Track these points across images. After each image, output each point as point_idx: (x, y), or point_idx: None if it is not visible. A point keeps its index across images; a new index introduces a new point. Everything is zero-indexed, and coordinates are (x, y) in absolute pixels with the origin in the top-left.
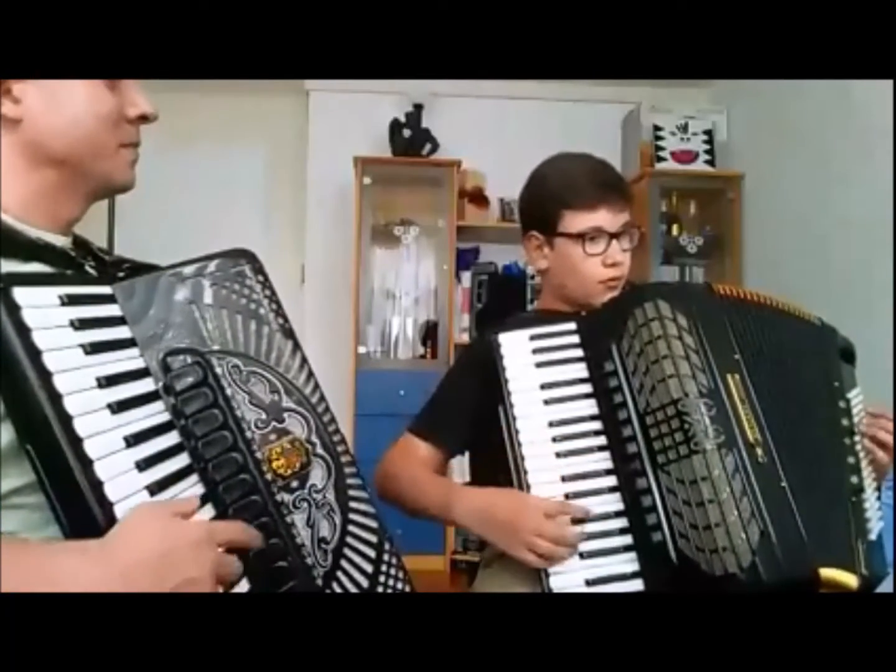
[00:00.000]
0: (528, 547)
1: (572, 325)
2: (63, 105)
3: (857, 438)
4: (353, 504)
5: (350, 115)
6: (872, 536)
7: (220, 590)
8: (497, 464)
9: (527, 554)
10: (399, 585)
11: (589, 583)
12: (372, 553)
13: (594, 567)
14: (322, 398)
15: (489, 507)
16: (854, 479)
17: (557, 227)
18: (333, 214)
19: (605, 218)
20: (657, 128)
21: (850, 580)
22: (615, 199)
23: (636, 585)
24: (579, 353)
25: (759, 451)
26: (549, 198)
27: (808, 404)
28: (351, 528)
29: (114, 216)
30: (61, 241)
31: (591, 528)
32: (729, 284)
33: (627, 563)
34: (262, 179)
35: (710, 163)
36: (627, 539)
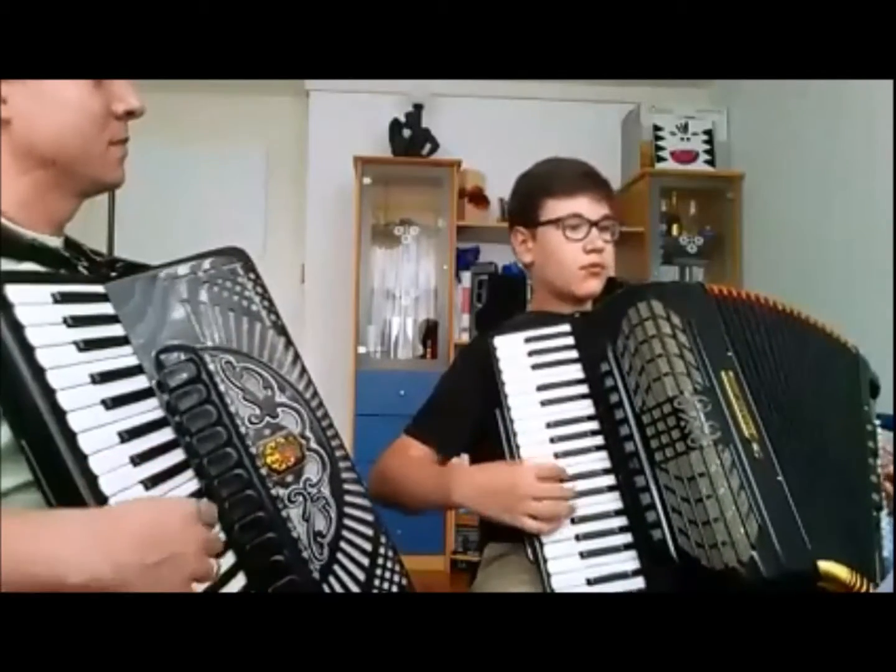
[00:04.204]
0: (526, 512)
1: (567, 327)
2: (51, 106)
3: (879, 462)
4: (348, 498)
5: (350, 115)
6: (886, 553)
7: (212, 564)
8: None
9: (527, 520)
10: (396, 579)
11: (590, 582)
12: (368, 546)
13: (595, 566)
14: (315, 393)
15: (485, 483)
16: (875, 497)
17: (540, 216)
18: (333, 214)
19: (584, 205)
20: (657, 128)
21: (845, 574)
22: (594, 188)
23: (637, 583)
24: (574, 354)
25: (755, 446)
26: (531, 190)
27: (826, 411)
28: (347, 521)
29: (114, 216)
30: (54, 242)
31: (590, 527)
32: (728, 285)
33: (628, 561)
34: (262, 180)
35: (710, 163)
36: (627, 537)
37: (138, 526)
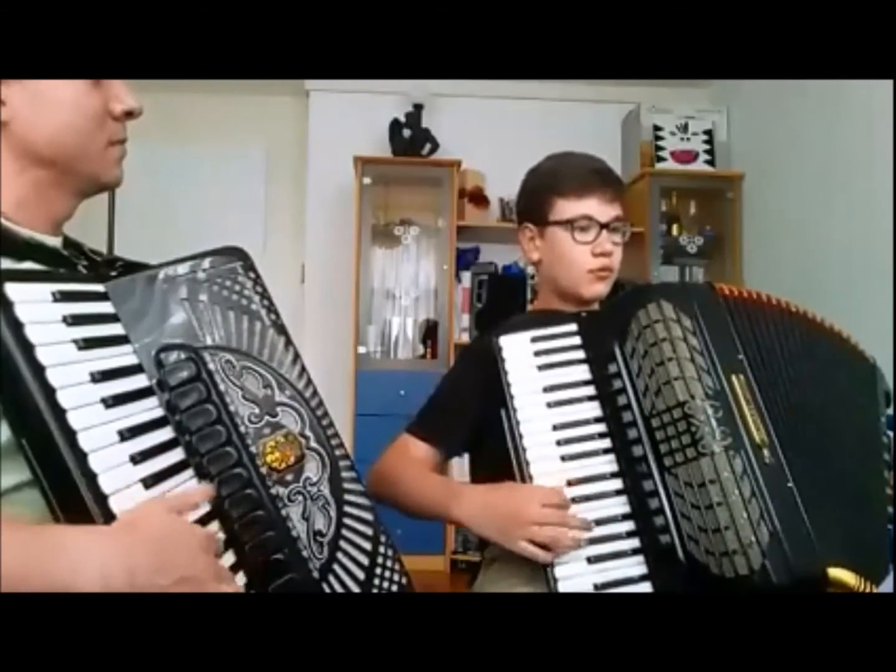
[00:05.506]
0: (528, 538)
1: (573, 327)
2: (49, 106)
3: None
4: (348, 497)
5: (350, 115)
6: None
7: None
8: (499, 467)
9: (529, 547)
10: (396, 578)
11: (597, 587)
12: (368, 545)
13: (602, 571)
14: (315, 392)
15: (488, 504)
16: (890, 510)
17: (549, 216)
18: (333, 214)
19: (594, 207)
20: (657, 128)
21: (854, 580)
22: (605, 189)
23: (644, 589)
24: (581, 354)
25: (765, 451)
26: (540, 187)
27: (837, 416)
28: (346, 520)
29: (114, 216)
30: (53, 241)
31: (598, 531)
32: (729, 284)
33: (635, 566)
34: (262, 180)
35: (710, 163)
36: (635, 542)
37: (154, 539)
